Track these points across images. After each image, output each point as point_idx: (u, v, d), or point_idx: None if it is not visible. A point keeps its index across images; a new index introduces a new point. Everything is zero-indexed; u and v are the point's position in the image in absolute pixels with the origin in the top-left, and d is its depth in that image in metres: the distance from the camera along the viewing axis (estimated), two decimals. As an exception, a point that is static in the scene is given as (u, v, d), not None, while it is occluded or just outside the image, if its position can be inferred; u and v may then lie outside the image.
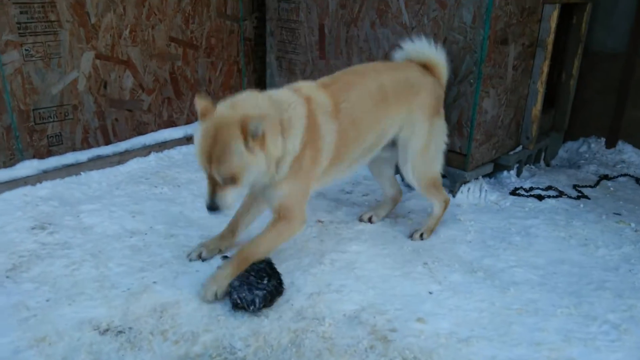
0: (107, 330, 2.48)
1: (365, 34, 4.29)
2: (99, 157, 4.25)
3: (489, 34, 3.65)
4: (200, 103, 2.57)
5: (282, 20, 4.87)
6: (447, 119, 3.90)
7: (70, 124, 4.20)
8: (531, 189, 4.17)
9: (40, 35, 3.89)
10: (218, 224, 3.22)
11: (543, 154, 4.87)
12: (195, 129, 2.59)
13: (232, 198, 2.60)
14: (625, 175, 4.60)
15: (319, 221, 3.60)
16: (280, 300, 2.72)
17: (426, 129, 3.28)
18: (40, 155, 4.04)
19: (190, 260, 3.07)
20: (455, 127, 3.93)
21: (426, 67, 3.39)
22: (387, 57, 4.17)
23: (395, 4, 4.04)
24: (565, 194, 4.11)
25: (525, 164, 4.60)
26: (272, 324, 2.56)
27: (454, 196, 3.97)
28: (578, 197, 4.09)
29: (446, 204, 3.49)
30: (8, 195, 3.66)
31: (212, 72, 5.13)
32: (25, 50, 3.83)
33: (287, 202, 2.83)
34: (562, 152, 5.12)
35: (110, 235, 3.30)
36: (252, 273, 2.67)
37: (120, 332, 2.47)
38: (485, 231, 3.54)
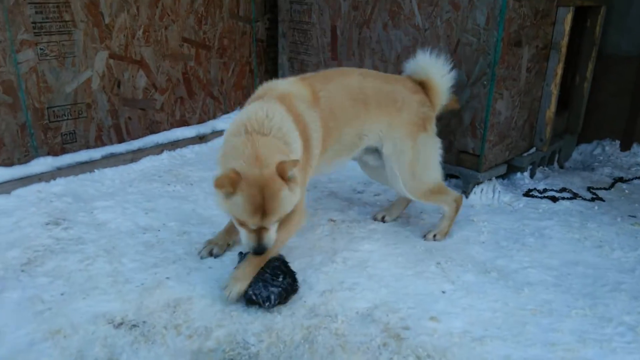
0: (121, 324, 2.49)
1: (377, 35, 4.29)
2: (113, 155, 4.28)
3: (503, 36, 3.64)
4: (227, 177, 2.46)
5: (294, 21, 4.88)
6: (461, 120, 3.92)
7: (84, 122, 4.23)
8: (545, 190, 4.15)
9: (55, 34, 3.92)
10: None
11: (557, 156, 4.85)
12: (235, 201, 2.49)
13: (275, 233, 2.66)
14: (640, 178, 4.57)
15: (331, 220, 3.60)
16: (293, 297, 2.72)
17: (410, 146, 3.20)
18: (54, 152, 4.08)
19: (202, 257, 3.08)
20: (469, 129, 3.91)
21: (423, 85, 3.32)
22: (399, 58, 4.18)
23: (408, 6, 4.04)
24: (580, 196, 4.09)
25: (539, 166, 4.58)
26: (284, 321, 2.56)
27: (467, 197, 3.95)
28: (592, 199, 4.06)
29: (457, 203, 3.42)
30: (23, 191, 3.69)
31: (224, 73, 5.15)
32: (40, 49, 3.87)
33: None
34: (575, 155, 5.08)
35: (124, 232, 3.31)
36: (268, 270, 2.67)
37: (134, 326, 2.48)
38: (499, 232, 3.52)
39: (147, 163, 4.40)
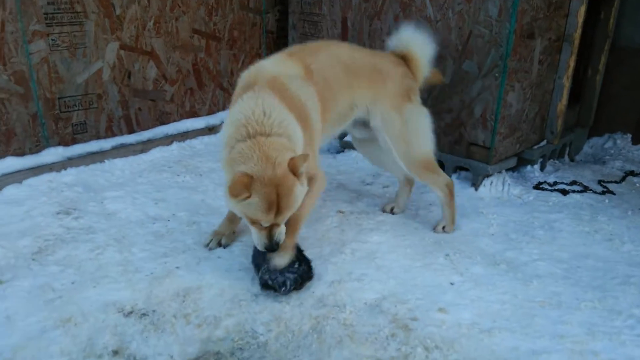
0: (131, 312, 2.51)
1: (388, 27, 4.27)
2: (123, 146, 4.31)
3: (515, 28, 3.61)
4: (241, 183, 2.46)
5: (304, 13, 4.87)
6: (471, 112, 3.90)
7: (95, 113, 4.25)
8: (555, 183, 4.13)
9: (67, 25, 3.94)
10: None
11: (567, 149, 4.81)
12: (250, 201, 2.50)
13: (284, 227, 2.68)
14: (652, 171, 4.53)
15: (340, 211, 3.60)
16: (308, 284, 2.74)
17: (397, 116, 3.23)
18: (65, 142, 4.10)
19: (210, 249, 3.10)
20: (479, 121, 3.89)
21: (405, 58, 3.36)
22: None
23: (420, -4, 4.02)
24: (590, 189, 4.06)
25: (549, 159, 4.55)
26: (293, 310, 2.57)
27: (476, 189, 3.94)
28: (603, 193, 4.03)
29: (449, 187, 3.39)
30: (34, 181, 3.72)
31: (234, 64, 5.15)
32: (52, 40, 3.89)
33: (311, 171, 2.85)
34: (586, 148, 5.04)
35: (134, 221, 3.33)
36: None
37: (144, 314, 2.50)
38: (508, 224, 3.51)
39: (157, 154, 4.42)
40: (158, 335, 2.38)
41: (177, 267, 2.88)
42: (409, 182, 3.65)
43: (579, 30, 4.10)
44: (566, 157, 4.81)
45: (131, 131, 4.51)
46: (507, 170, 4.19)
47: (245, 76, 2.91)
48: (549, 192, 4.01)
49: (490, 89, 3.80)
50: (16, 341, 2.31)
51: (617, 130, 5.06)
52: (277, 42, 5.44)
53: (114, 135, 4.40)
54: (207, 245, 3.11)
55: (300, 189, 2.60)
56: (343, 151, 4.71)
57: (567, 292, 2.80)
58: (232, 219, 3.17)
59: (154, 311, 2.53)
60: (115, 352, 2.28)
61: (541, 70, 4.05)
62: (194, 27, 4.73)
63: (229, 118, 2.73)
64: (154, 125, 4.65)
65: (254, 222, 2.59)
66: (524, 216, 3.63)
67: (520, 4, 3.55)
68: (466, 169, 4.08)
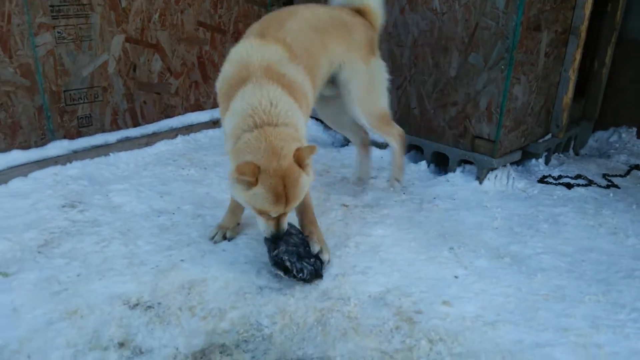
0: (136, 304, 2.53)
1: (394, 19, 4.25)
2: (128, 139, 4.32)
3: (522, 20, 3.59)
4: (249, 165, 2.46)
5: (309, 5, 4.85)
6: (476, 105, 3.89)
7: (100, 106, 4.26)
8: (560, 177, 4.12)
9: (72, 18, 3.94)
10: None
11: (572, 143, 4.80)
12: (256, 192, 2.51)
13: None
14: (657, 165, 4.51)
15: (344, 205, 3.61)
16: (316, 282, 2.76)
17: (364, 69, 3.33)
18: (70, 135, 4.11)
19: (216, 242, 3.11)
20: (485, 114, 3.88)
21: (359, 12, 3.43)
22: (415, 43, 4.15)
23: (426, -11, 4.00)
24: (595, 183, 4.05)
25: (554, 153, 4.54)
26: (297, 303, 2.58)
27: (480, 183, 3.93)
28: (608, 186, 4.02)
29: (402, 138, 3.56)
30: (39, 174, 3.74)
31: (239, 57, 5.13)
32: (58, 32, 3.89)
33: None
34: (591, 142, 5.02)
35: (139, 215, 3.35)
36: (302, 248, 2.75)
37: (149, 307, 2.52)
38: (513, 218, 3.51)
39: (162, 147, 4.43)
40: (163, 328, 2.40)
41: (182, 260, 2.89)
42: (365, 144, 3.78)
43: (586, 23, 4.08)
44: (571, 151, 4.80)
45: (136, 124, 4.52)
46: (512, 163, 4.18)
47: (232, 69, 2.83)
48: (554, 185, 4.00)
49: (496, 82, 3.79)
50: (22, 333, 2.33)
51: (622, 123, 5.03)
52: (282, 35, 5.42)
53: (119, 128, 4.40)
54: (213, 238, 3.12)
55: (306, 180, 2.61)
56: (347, 145, 4.71)
57: (571, 285, 2.81)
58: (234, 211, 3.17)
59: (159, 304, 2.54)
60: (121, 344, 2.30)
61: (547, 62, 4.04)
62: (199, 19, 4.72)
63: (232, 109, 2.70)
64: (158, 119, 4.65)
65: (261, 213, 2.61)
66: (528, 210, 3.63)
67: (527, -4, 3.54)
68: (471, 163, 4.07)
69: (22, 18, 3.67)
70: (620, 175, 4.25)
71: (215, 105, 5.03)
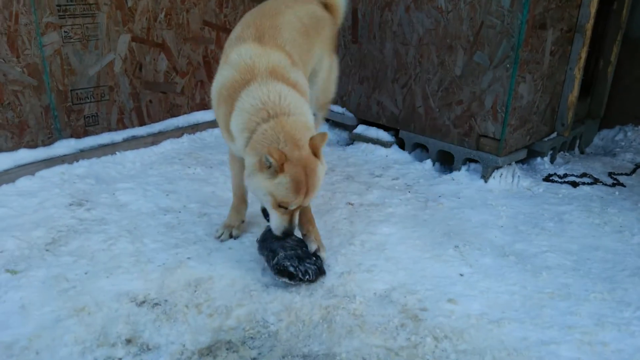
0: (143, 302, 2.55)
1: (399, 18, 4.26)
2: (134, 138, 4.34)
3: (527, 18, 3.59)
4: (276, 150, 2.44)
5: (314, 4, 4.86)
6: (482, 104, 3.90)
7: (107, 105, 4.28)
8: (565, 175, 4.12)
9: (79, 17, 3.96)
10: (251, 202, 3.25)
11: (578, 142, 4.79)
12: (280, 181, 2.49)
13: None
14: (662, 164, 4.50)
15: (349, 203, 3.62)
16: (321, 279, 2.77)
17: (329, 63, 3.52)
18: (77, 134, 4.14)
19: (222, 241, 3.12)
20: (490, 112, 3.89)
21: (325, 6, 3.52)
22: (420, 41, 4.15)
23: (430, -13, 4.01)
24: (600, 181, 4.05)
25: (560, 151, 4.54)
26: (303, 300, 2.59)
27: (486, 181, 3.94)
28: (613, 185, 4.02)
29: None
30: (46, 172, 3.76)
31: (244, 56, 5.15)
32: (64, 32, 3.91)
33: None
34: (597, 140, 5.02)
35: (145, 213, 3.37)
36: (300, 249, 2.74)
37: (156, 304, 2.54)
38: (518, 216, 3.51)
39: (168, 146, 4.45)
40: (170, 325, 2.41)
41: (189, 258, 2.91)
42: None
43: (592, 21, 4.08)
44: (576, 149, 4.79)
45: (142, 123, 4.54)
46: (517, 162, 4.19)
47: (234, 72, 2.80)
48: (559, 184, 4.00)
49: (501, 81, 3.79)
50: (31, 330, 2.35)
51: (628, 122, 5.02)
52: (287, 34, 5.43)
53: (125, 127, 4.43)
54: (219, 237, 3.14)
55: (322, 169, 2.61)
56: (352, 143, 4.72)
57: (577, 283, 2.81)
58: (238, 209, 3.19)
59: (166, 301, 2.56)
60: (129, 341, 2.32)
61: (553, 61, 4.04)
62: (205, 18, 4.74)
63: (239, 108, 2.67)
64: (164, 118, 4.68)
65: (280, 205, 2.58)
66: (533, 208, 3.63)
67: (532, -5, 3.54)
68: (476, 161, 4.07)
69: (30, 18, 3.69)
70: (626, 174, 4.25)
71: (220, 104, 5.05)
